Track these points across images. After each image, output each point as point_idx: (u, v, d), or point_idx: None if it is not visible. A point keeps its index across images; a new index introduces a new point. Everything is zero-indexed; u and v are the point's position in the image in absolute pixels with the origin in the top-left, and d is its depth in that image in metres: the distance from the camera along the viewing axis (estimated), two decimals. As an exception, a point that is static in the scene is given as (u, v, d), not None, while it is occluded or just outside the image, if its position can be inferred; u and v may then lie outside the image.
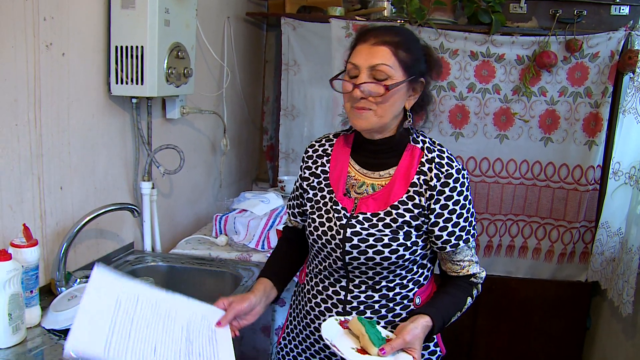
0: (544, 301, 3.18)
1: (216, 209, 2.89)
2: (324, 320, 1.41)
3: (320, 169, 1.51)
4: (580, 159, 3.00)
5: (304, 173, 1.53)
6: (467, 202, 1.40)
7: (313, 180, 1.51)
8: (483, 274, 1.46)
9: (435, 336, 1.45)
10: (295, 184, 1.59)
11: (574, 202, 3.04)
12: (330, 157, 1.50)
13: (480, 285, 1.46)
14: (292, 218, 1.62)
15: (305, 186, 1.52)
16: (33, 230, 1.58)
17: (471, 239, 1.43)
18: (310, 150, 1.56)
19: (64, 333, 1.48)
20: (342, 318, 1.37)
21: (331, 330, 1.32)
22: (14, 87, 1.52)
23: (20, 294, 1.41)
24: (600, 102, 2.91)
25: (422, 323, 1.30)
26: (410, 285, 1.44)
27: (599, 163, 2.97)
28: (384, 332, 1.32)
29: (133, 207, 1.89)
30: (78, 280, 1.71)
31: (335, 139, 1.53)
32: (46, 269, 1.72)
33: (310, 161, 1.53)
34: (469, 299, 1.43)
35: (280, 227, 2.32)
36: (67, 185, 1.79)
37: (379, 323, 1.39)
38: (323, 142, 1.55)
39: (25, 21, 1.54)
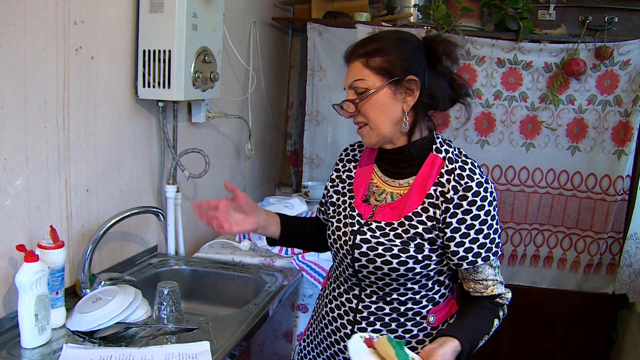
0: (569, 312, 3.13)
1: (239, 213, 2.89)
2: (338, 327, 1.42)
3: (346, 174, 1.52)
4: (608, 169, 2.95)
5: (333, 175, 1.55)
6: (488, 218, 1.31)
7: (338, 184, 1.52)
8: (509, 295, 1.37)
9: None
10: (326, 184, 1.60)
11: (602, 213, 2.99)
12: (357, 164, 1.51)
13: (506, 307, 1.37)
14: (319, 215, 1.64)
15: (330, 188, 1.54)
16: (59, 231, 1.59)
17: (492, 257, 1.34)
18: (343, 153, 1.57)
19: (89, 334, 1.49)
20: (367, 335, 1.29)
21: (357, 348, 1.23)
22: (44, 89, 1.54)
23: (46, 295, 1.42)
24: (630, 111, 2.85)
25: (452, 347, 1.19)
26: (424, 302, 1.39)
27: (628, 173, 2.92)
28: (411, 355, 1.22)
29: (158, 210, 1.90)
30: (103, 282, 1.72)
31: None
32: (71, 271, 1.74)
33: (340, 164, 1.55)
34: (496, 321, 1.34)
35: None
36: (93, 187, 1.80)
37: (408, 343, 1.36)
38: (355, 147, 1.55)
39: (56, 25, 1.55)
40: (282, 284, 1.97)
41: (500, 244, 1.36)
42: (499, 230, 1.36)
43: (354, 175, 1.49)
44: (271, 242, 1.61)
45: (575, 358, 3.17)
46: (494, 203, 1.33)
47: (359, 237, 1.38)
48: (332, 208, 1.51)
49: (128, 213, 1.80)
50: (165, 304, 1.63)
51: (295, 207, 2.58)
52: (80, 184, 1.74)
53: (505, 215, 3.09)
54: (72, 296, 1.69)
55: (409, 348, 1.24)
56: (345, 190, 1.49)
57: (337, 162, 1.56)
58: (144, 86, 1.94)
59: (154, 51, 1.90)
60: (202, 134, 2.51)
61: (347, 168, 1.52)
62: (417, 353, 1.23)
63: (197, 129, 2.45)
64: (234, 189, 1.45)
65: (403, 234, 1.33)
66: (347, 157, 1.54)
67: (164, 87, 1.92)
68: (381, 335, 1.30)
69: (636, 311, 2.76)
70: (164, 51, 1.90)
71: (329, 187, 1.55)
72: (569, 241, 3.08)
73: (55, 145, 1.61)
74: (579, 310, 3.12)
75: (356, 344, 1.25)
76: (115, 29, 1.83)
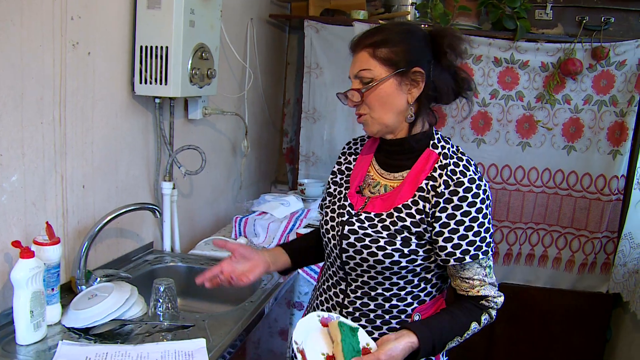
0: (564, 311, 3.14)
1: (236, 210, 2.90)
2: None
3: (345, 166, 1.53)
4: (603, 169, 2.95)
5: (334, 168, 1.57)
6: (479, 215, 1.29)
7: (337, 176, 1.54)
8: (499, 300, 1.34)
9: (433, 358, 1.41)
10: (328, 180, 1.61)
11: (597, 212, 3.00)
12: (357, 156, 1.52)
13: (493, 312, 1.34)
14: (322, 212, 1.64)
15: (330, 181, 1.56)
16: (55, 228, 1.58)
17: (481, 256, 1.30)
18: (346, 147, 1.58)
19: (84, 331, 1.49)
20: (327, 314, 1.33)
21: (309, 327, 1.28)
22: (40, 85, 1.53)
23: (42, 292, 1.42)
24: (625, 111, 2.86)
25: (406, 343, 1.21)
26: (409, 299, 1.38)
27: (623, 173, 2.93)
28: (364, 341, 1.26)
29: (154, 207, 1.89)
30: (98, 279, 1.71)
31: (367, 139, 1.54)
32: (67, 267, 1.73)
33: (342, 157, 1.56)
34: (474, 325, 1.32)
35: (300, 230, 2.32)
36: (90, 183, 1.80)
37: (371, 329, 1.38)
38: (357, 140, 1.57)
39: (54, 20, 1.55)
40: (278, 281, 1.97)
41: (492, 243, 1.34)
42: (491, 230, 1.33)
43: (352, 168, 1.51)
44: (284, 271, 1.60)
45: (569, 356, 3.18)
46: (487, 201, 1.32)
47: (347, 227, 1.38)
48: (328, 198, 1.54)
49: (124, 210, 1.79)
50: (161, 301, 1.62)
51: (292, 204, 2.58)
52: (76, 180, 1.73)
53: (501, 214, 3.10)
54: (68, 293, 1.68)
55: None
56: (342, 182, 1.51)
57: (340, 155, 1.58)
58: (140, 82, 1.93)
59: (151, 47, 1.89)
60: (199, 131, 2.51)
61: (347, 161, 1.54)
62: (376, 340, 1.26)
63: (193, 125, 2.44)
64: (224, 243, 1.46)
65: (390, 226, 1.33)
66: (349, 151, 1.56)
67: (160, 84, 1.92)
68: (336, 317, 1.32)
69: (630, 310, 2.78)
70: (161, 47, 1.89)
71: (329, 182, 1.57)
72: (563, 240, 3.09)
73: (52, 141, 1.61)
74: (573, 309, 3.13)
75: (309, 323, 1.29)
76: (112, 24, 1.82)
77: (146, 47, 1.90)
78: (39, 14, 1.50)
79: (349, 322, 1.33)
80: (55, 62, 1.58)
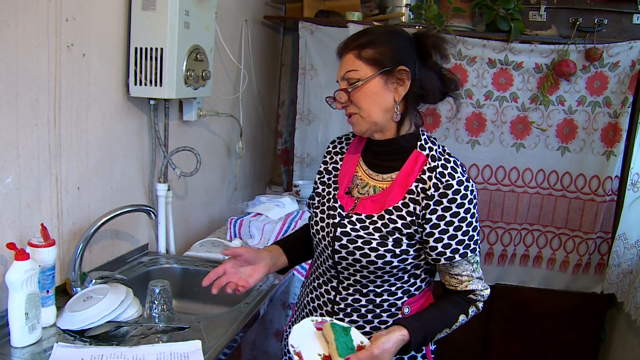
0: (559, 312, 3.16)
1: (230, 211, 2.89)
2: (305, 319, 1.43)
3: (332, 166, 1.56)
4: (597, 170, 2.97)
5: (321, 167, 1.59)
6: (467, 215, 1.34)
7: (324, 176, 1.57)
8: (486, 292, 1.40)
9: (424, 348, 1.45)
10: (315, 179, 1.62)
11: (591, 213, 3.01)
12: (344, 156, 1.54)
13: (480, 304, 1.40)
14: (310, 209, 1.65)
15: (317, 180, 1.59)
16: (50, 229, 1.58)
17: (470, 254, 1.36)
18: (330, 146, 1.60)
19: (79, 333, 1.49)
20: (320, 319, 1.37)
21: (303, 331, 1.32)
22: (36, 86, 1.53)
23: (36, 294, 1.41)
24: (619, 112, 2.88)
25: (397, 336, 1.25)
26: (399, 294, 1.42)
27: (616, 174, 2.94)
28: (358, 339, 1.30)
29: (150, 209, 1.89)
30: (93, 280, 1.71)
31: (353, 138, 1.56)
32: (62, 269, 1.73)
33: (328, 157, 1.59)
34: (462, 317, 1.37)
35: (295, 232, 2.32)
36: (84, 185, 1.79)
37: (363, 323, 1.42)
38: (343, 139, 1.59)
39: (48, 22, 1.54)
40: (273, 283, 1.97)
41: (479, 242, 1.39)
42: (478, 228, 1.38)
43: (340, 168, 1.53)
44: (282, 270, 1.62)
45: (564, 357, 3.19)
46: (474, 201, 1.36)
47: (339, 229, 1.41)
48: (317, 199, 1.56)
49: (119, 211, 1.79)
50: (156, 302, 1.62)
51: (287, 205, 2.58)
52: (71, 181, 1.72)
53: (495, 215, 3.10)
54: (63, 295, 1.68)
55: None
56: (330, 182, 1.54)
57: (325, 154, 1.60)
58: (135, 84, 1.92)
59: (146, 49, 1.89)
60: (194, 132, 2.50)
61: (333, 160, 1.56)
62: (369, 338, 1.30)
63: (188, 127, 2.44)
64: (231, 252, 1.49)
65: (382, 228, 1.36)
66: (335, 150, 1.58)
67: (155, 85, 1.91)
68: (329, 320, 1.37)
69: (624, 310, 2.79)
70: (156, 49, 1.88)
71: (317, 181, 1.59)
72: (558, 241, 3.10)
73: (47, 142, 1.60)
74: (568, 310, 3.14)
75: (303, 328, 1.33)
76: (107, 26, 1.82)
77: (141, 48, 1.89)
78: (34, 15, 1.49)
79: (341, 323, 1.36)
80: (50, 64, 1.57)
